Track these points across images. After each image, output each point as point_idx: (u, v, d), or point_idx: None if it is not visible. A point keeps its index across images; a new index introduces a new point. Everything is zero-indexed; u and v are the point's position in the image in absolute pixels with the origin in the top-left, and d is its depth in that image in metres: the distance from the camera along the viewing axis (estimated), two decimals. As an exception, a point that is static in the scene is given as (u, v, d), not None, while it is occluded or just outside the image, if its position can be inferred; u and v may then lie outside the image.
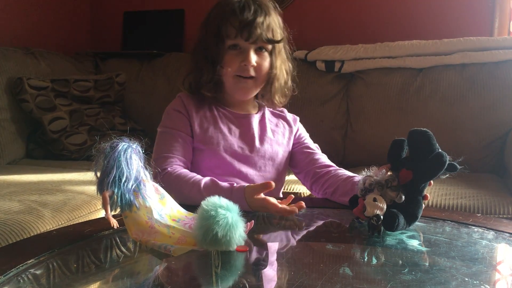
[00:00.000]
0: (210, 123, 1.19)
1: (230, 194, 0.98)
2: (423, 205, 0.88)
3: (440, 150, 0.84)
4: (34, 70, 2.30)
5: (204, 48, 1.17)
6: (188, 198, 0.98)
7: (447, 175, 0.85)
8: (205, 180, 1.05)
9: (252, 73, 1.15)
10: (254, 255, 0.78)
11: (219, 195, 0.78)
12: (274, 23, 1.15)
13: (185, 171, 1.10)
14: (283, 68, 1.22)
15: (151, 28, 2.92)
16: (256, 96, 1.26)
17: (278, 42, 1.17)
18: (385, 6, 2.48)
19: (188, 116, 1.19)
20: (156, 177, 0.81)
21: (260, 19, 1.12)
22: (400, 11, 2.45)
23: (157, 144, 1.18)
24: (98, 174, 0.74)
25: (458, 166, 0.84)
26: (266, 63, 1.17)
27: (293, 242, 0.90)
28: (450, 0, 2.37)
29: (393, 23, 2.45)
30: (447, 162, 0.82)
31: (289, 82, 1.25)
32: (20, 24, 2.57)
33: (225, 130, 1.19)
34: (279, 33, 1.17)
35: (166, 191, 0.82)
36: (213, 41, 1.15)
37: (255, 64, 1.14)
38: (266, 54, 1.17)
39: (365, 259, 0.78)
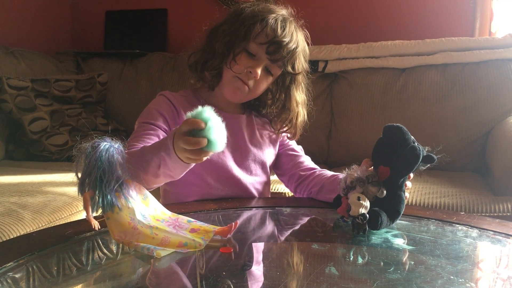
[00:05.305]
0: None
1: (160, 144, 0.88)
2: (405, 200, 0.88)
3: (413, 144, 0.84)
4: (14, 70, 2.26)
5: (227, 35, 1.13)
6: (139, 166, 0.85)
7: (427, 166, 0.85)
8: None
9: (251, 83, 1.12)
10: (238, 255, 0.77)
11: (154, 150, 0.85)
12: (300, 56, 1.15)
13: (140, 148, 0.98)
14: (302, 105, 1.21)
15: (134, 27, 2.89)
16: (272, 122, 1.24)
17: (294, 74, 1.15)
18: (368, 7, 2.49)
19: (175, 112, 1.13)
20: None
21: (290, 46, 1.10)
22: (383, 11, 2.47)
23: (130, 137, 1.09)
24: (79, 174, 0.72)
25: (435, 157, 0.83)
26: (265, 85, 1.15)
27: (278, 241, 0.89)
28: (432, 1, 2.40)
29: (376, 24, 2.47)
30: (422, 155, 0.82)
31: (305, 118, 1.24)
32: (-1, 22, 2.52)
33: None
34: (300, 68, 1.16)
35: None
36: (240, 34, 1.11)
37: (258, 77, 1.11)
38: (270, 77, 1.15)
39: (351, 258, 0.77)
